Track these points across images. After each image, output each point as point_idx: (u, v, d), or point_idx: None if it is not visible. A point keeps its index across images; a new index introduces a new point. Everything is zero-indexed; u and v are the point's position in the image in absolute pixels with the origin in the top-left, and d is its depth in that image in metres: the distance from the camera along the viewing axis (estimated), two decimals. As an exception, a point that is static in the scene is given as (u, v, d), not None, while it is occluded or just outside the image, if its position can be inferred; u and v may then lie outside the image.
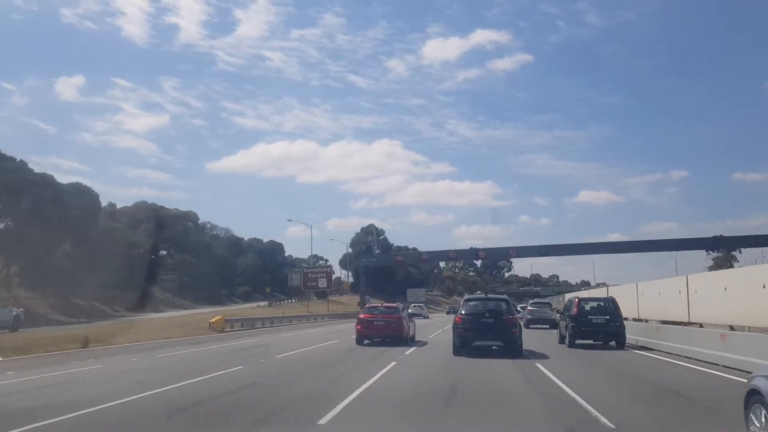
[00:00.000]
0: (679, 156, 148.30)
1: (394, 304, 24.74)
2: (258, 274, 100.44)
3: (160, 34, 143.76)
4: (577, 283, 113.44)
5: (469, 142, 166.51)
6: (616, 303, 20.21)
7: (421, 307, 64.32)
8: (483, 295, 22.24)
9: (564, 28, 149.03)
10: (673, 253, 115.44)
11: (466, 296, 20.45)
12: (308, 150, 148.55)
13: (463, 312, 17.70)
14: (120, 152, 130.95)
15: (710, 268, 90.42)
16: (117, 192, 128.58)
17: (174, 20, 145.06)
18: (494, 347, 17.22)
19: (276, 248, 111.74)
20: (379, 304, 24.64)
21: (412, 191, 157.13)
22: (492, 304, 18.16)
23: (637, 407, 9.04)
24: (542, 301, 44.46)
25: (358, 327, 22.20)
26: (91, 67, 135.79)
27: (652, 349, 18.45)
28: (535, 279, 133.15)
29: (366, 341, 21.62)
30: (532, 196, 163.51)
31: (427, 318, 56.96)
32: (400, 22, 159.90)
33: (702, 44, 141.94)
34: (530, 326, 32.23)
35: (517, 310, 23.54)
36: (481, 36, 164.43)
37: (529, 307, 37.00)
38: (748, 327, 14.82)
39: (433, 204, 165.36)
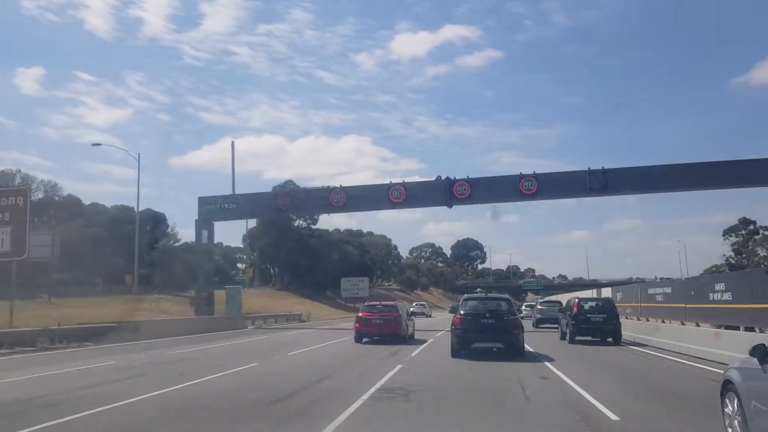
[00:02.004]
0: (644, 154, 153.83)
1: (393, 303, 25.74)
2: (104, 257, 56.45)
3: (125, 28, 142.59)
4: (554, 278, 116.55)
5: (438, 139, 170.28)
6: (613, 303, 22.22)
7: (424, 305, 66.39)
8: (483, 294, 22.91)
9: (531, 27, 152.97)
10: (682, 240, 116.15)
11: (466, 295, 20.12)
12: (275, 145, 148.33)
13: (461, 312, 17.57)
14: (83, 147, 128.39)
15: (726, 259, 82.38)
16: (79, 188, 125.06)
17: (138, 13, 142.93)
18: (494, 349, 17.22)
19: (157, 219, 66.64)
20: (378, 303, 25.52)
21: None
22: (492, 304, 18.08)
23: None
24: (552, 300, 45.67)
25: (357, 325, 23.32)
26: (52, 60, 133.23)
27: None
28: (513, 272, 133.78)
29: (365, 339, 22.81)
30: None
31: (430, 317, 58.48)
32: (369, 19, 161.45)
33: (667, 44, 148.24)
34: (540, 326, 33.07)
35: (518, 309, 24.56)
36: (451, 31, 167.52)
37: (539, 306, 37.78)
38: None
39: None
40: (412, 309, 50.59)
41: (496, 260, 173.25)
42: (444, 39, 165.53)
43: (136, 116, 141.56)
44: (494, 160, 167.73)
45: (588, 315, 21.63)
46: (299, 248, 73.55)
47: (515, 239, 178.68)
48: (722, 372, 7.47)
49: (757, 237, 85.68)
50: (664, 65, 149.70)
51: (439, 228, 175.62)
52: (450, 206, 38.11)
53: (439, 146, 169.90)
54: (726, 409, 6.96)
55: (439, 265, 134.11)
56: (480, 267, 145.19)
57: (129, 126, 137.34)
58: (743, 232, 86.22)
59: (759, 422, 6.04)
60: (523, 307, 47.81)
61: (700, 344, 16.59)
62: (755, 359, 6.27)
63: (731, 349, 13.85)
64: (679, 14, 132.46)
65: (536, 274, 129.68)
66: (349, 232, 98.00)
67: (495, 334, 17.03)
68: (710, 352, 15.60)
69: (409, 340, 23.37)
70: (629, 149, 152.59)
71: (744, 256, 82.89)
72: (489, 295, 20.76)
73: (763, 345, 6.28)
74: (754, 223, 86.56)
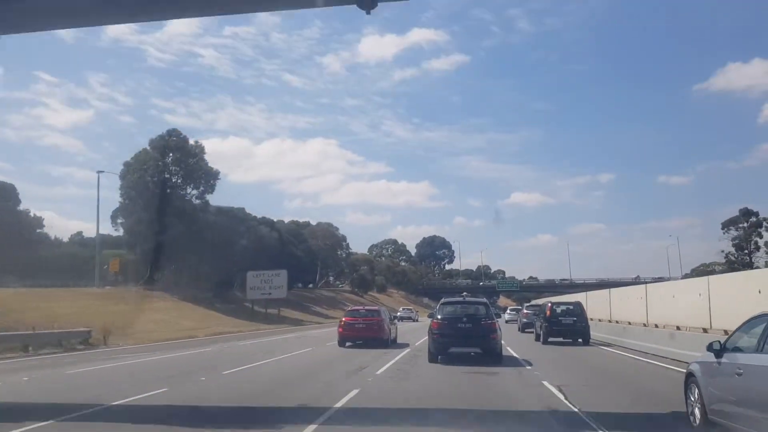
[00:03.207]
0: (606, 159, 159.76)
1: (376, 308, 27.22)
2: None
3: (87, 28, 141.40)
4: (524, 280, 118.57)
5: (405, 144, 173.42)
6: (582, 306, 24.40)
7: (411, 310, 67.18)
8: (461, 298, 23.51)
9: (497, 33, 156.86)
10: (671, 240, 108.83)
11: (443, 299, 20.17)
12: (241, 147, 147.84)
13: (439, 316, 17.86)
14: (44, 150, 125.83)
15: (726, 255, 76.43)
16: (40, 192, 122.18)
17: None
18: (472, 354, 17.53)
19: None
20: (361, 308, 26.90)
21: (347, 191, 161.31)
22: (470, 308, 18.26)
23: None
24: (538, 304, 47.52)
25: (340, 329, 24.63)
26: (12, 60, 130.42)
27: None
28: (484, 272, 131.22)
29: (348, 343, 24.14)
30: (466, 198, 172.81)
31: (417, 321, 59.09)
32: (336, 22, 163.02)
33: (629, 51, 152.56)
34: (526, 330, 33.79)
35: (497, 314, 25.89)
36: (418, 35, 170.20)
37: (525, 311, 38.88)
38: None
39: (370, 204, 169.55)
40: (399, 314, 53.81)
41: (465, 262, 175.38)
42: (411, 42, 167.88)
43: (97, 118, 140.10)
44: (462, 165, 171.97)
45: (560, 318, 23.95)
46: (187, 229, 50.49)
47: (483, 243, 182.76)
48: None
49: (761, 229, 77.58)
50: (628, 72, 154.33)
51: (405, 232, 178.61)
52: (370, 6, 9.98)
53: (405, 150, 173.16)
54: (689, 398, 8.21)
55: (402, 264, 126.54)
56: (447, 267, 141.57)
57: (90, 127, 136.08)
58: (744, 225, 78.53)
59: (715, 407, 7.33)
60: (508, 312, 48.90)
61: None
62: (712, 354, 7.44)
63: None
64: (642, 21, 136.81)
65: (507, 276, 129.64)
66: (295, 224, 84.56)
67: (472, 339, 17.26)
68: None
69: (392, 344, 24.69)
70: (594, 154, 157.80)
71: (746, 252, 76.91)
72: (466, 299, 21.45)
73: (719, 341, 7.48)
74: (756, 214, 78.29)
